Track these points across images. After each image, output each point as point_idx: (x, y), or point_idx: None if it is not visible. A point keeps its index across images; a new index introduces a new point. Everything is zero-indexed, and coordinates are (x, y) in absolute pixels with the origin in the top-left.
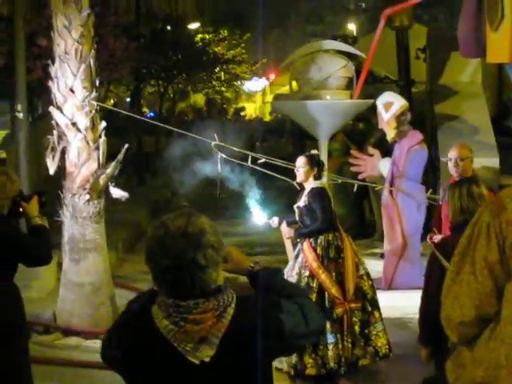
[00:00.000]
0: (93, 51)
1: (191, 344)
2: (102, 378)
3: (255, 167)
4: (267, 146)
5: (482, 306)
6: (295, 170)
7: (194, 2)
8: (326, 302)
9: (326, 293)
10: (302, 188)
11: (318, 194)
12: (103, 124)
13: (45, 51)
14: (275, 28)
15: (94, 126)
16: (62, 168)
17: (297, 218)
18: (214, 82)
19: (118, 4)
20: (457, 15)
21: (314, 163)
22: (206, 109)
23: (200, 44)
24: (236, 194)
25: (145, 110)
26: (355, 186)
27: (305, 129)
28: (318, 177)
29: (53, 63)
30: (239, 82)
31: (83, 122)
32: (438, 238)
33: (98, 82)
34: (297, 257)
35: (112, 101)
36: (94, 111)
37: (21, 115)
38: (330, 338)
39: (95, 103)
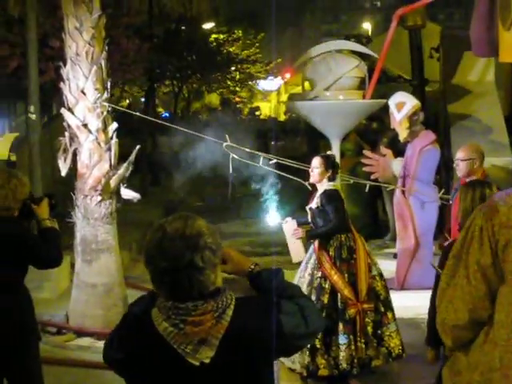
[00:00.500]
0: (104, 53)
1: (191, 346)
2: (113, 379)
3: (267, 168)
4: (281, 145)
5: (476, 310)
6: (310, 171)
7: (208, 1)
8: (339, 303)
9: (339, 294)
10: (314, 189)
11: (332, 195)
12: (115, 125)
13: (57, 53)
14: (290, 27)
15: (105, 127)
16: (73, 169)
17: (309, 220)
18: (228, 82)
19: (131, 5)
20: (472, 14)
21: (330, 164)
22: (220, 108)
23: (214, 44)
24: (249, 193)
25: (160, 109)
26: (367, 186)
27: (318, 129)
28: (331, 178)
29: (64, 65)
30: (254, 82)
31: (95, 123)
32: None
33: (109, 84)
34: (309, 258)
35: (127, 101)
36: (105, 112)
37: (34, 117)
38: (343, 339)
39: (107, 104)
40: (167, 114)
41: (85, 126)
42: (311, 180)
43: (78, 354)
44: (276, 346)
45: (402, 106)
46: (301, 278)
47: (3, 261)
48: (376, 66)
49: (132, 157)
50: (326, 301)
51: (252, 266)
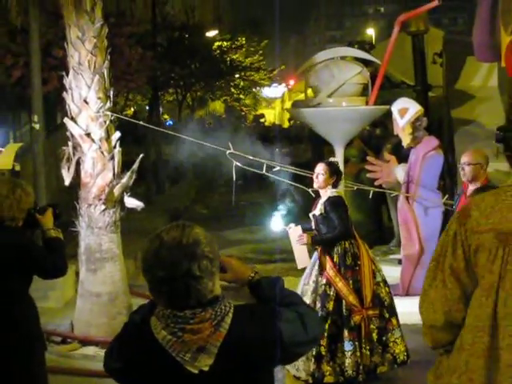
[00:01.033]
0: (106, 62)
1: (189, 354)
2: None
3: (271, 175)
4: (286, 152)
5: (451, 312)
6: (314, 177)
7: (212, 9)
8: (344, 310)
9: (344, 301)
10: (318, 195)
11: (336, 202)
12: (118, 134)
13: (60, 62)
14: (294, 34)
15: (108, 136)
16: (77, 178)
17: (313, 226)
18: (232, 90)
19: (134, 13)
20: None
21: (333, 171)
22: (224, 116)
23: (218, 52)
24: (254, 201)
25: (165, 117)
26: (371, 193)
27: (321, 135)
28: (335, 185)
29: (67, 74)
30: (258, 89)
31: (98, 132)
32: None
33: (112, 93)
34: (313, 265)
35: (132, 109)
36: (108, 122)
37: (37, 126)
38: (348, 346)
39: (109, 114)
40: (171, 122)
41: (88, 135)
42: (315, 186)
43: (82, 363)
44: (275, 353)
45: (405, 111)
46: (305, 285)
47: (8, 271)
48: (379, 72)
49: (135, 165)
50: (330, 308)
51: (252, 275)
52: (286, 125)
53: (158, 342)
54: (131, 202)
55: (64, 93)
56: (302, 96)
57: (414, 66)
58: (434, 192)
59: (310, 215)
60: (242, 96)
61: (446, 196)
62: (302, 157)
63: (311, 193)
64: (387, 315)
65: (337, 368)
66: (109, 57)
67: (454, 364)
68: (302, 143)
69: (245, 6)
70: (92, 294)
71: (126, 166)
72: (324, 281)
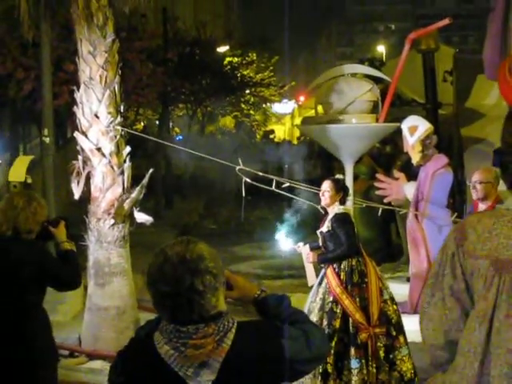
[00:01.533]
0: (118, 77)
1: (192, 369)
2: None
3: (280, 191)
4: (295, 168)
5: (450, 331)
6: (320, 194)
7: (223, 25)
8: (351, 328)
9: (350, 318)
10: (326, 212)
11: (342, 219)
12: (128, 149)
13: (72, 76)
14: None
15: (118, 150)
16: (87, 193)
17: (320, 244)
18: (242, 105)
19: (145, 28)
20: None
21: (339, 188)
22: (235, 131)
23: (228, 67)
24: (263, 217)
25: (176, 130)
26: (380, 210)
27: (331, 152)
28: (342, 202)
29: (78, 89)
30: (268, 105)
31: (108, 147)
32: None
33: (123, 107)
34: (320, 282)
35: (142, 124)
36: (118, 136)
37: (47, 140)
38: (355, 364)
39: (120, 128)
40: (181, 137)
41: (98, 149)
42: (322, 204)
43: (89, 377)
44: (279, 370)
45: (415, 129)
46: (312, 303)
47: (25, 283)
48: (389, 90)
49: (145, 180)
50: (337, 325)
51: (258, 292)
52: (296, 141)
53: (161, 357)
54: (140, 217)
55: (75, 107)
56: (312, 112)
57: (425, 84)
58: (444, 210)
59: (318, 232)
60: (252, 112)
61: (456, 214)
62: (311, 173)
63: (320, 209)
64: (394, 333)
65: None
66: (120, 71)
67: (448, 382)
68: (312, 159)
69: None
70: (100, 308)
71: (135, 180)
72: (331, 298)
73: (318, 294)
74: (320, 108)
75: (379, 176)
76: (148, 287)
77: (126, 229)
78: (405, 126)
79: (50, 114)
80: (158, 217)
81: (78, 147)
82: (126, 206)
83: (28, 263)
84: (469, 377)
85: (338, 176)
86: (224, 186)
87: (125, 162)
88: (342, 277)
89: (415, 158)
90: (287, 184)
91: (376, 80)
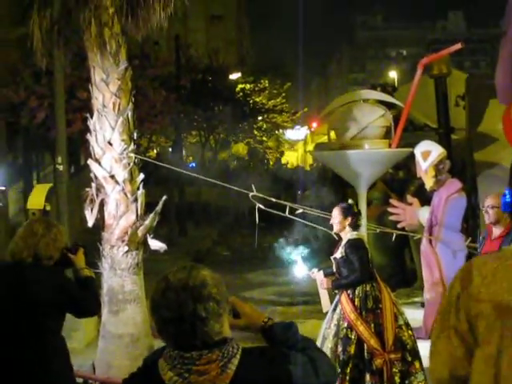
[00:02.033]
0: (131, 104)
1: None
2: None
3: (293, 217)
4: (308, 194)
5: (456, 368)
6: (331, 221)
7: (235, 52)
8: (365, 354)
9: (365, 344)
10: (340, 238)
11: (355, 245)
12: (141, 176)
13: (85, 104)
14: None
15: (132, 178)
16: (100, 220)
17: (334, 270)
18: (255, 132)
19: (158, 56)
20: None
21: (347, 213)
22: (248, 158)
23: (241, 94)
24: (276, 243)
25: (190, 158)
26: (394, 235)
27: (344, 178)
28: (354, 227)
29: (91, 116)
30: (280, 131)
31: (121, 174)
32: None
33: (136, 135)
34: (335, 308)
35: (155, 151)
36: (132, 163)
37: (61, 167)
38: None
39: (133, 155)
40: (194, 164)
41: (112, 176)
42: (334, 230)
43: None
44: None
45: (428, 154)
46: (327, 329)
47: (46, 310)
48: (402, 115)
49: (159, 207)
50: (352, 351)
51: (265, 320)
52: (308, 167)
53: (165, 383)
54: (154, 244)
55: (88, 134)
56: (324, 138)
57: (437, 109)
58: (458, 234)
59: (332, 258)
60: (264, 138)
61: (470, 238)
62: (324, 199)
63: (334, 235)
64: (410, 358)
65: None
66: (133, 99)
67: None
68: (325, 186)
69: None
70: (114, 335)
71: (149, 207)
72: (345, 324)
73: (332, 320)
74: (333, 134)
75: (393, 201)
76: (151, 313)
77: (139, 256)
78: (418, 151)
79: (64, 141)
80: (171, 244)
81: (92, 174)
82: (140, 233)
83: (49, 289)
84: None
85: (349, 201)
86: (237, 212)
87: (138, 189)
88: (356, 303)
89: (428, 183)
90: (301, 210)
91: (388, 106)
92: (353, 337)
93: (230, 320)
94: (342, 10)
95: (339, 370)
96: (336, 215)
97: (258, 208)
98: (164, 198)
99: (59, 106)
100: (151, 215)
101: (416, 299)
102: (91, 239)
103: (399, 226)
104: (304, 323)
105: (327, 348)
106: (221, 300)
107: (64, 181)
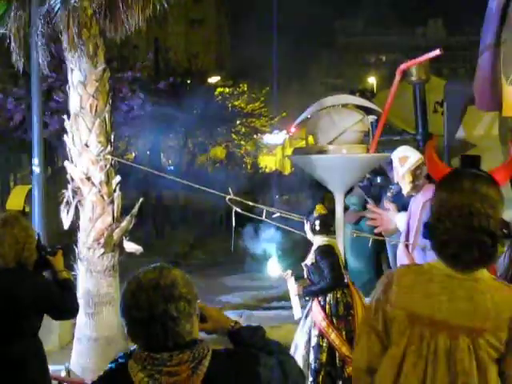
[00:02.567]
0: (108, 106)
1: None
2: None
3: (270, 221)
4: (286, 199)
5: (372, 362)
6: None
7: (214, 56)
8: (337, 361)
9: (337, 352)
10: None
11: (325, 251)
12: (118, 178)
13: (62, 105)
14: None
15: (108, 180)
16: (76, 222)
17: (305, 276)
18: (233, 136)
19: (136, 59)
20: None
21: (306, 218)
22: (225, 162)
23: (219, 98)
24: (253, 247)
25: (168, 161)
26: (370, 240)
27: (321, 183)
28: (319, 232)
29: (68, 118)
30: (259, 136)
31: (98, 176)
32: None
33: (113, 137)
34: (307, 315)
35: (133, 154)
36: (108, 165)
37: (37, 169)
38: None
39: (110, 157)
40: (172, 167)
41: (88, 178)
42: (307, 236)
43: None
44: None
45: (406, 160)
46: (298, 338)
47: (27, 313)
48: (380, 121)
49: (135, 210)
50: (324, 359)
51: (232, 324)
52: (287, 171)
53: None
54: (130, 246)
55: (65, 136)
56: (302, 143)
57: (415, 115)
58: None
59: (303, 265)
60: (242, 142)
61: None
62: (301, 204)
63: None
64: None
65: None
66: (111, 101)
67: None
68: (304, 190)
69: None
70: (89, 338)
71: (125, 210)
72: (316, 332)
73: (303, 327)
74: (311, 138)
75: (370, 207)
76: (122, 314)
77: (115, 258)
78: (395, 156)
79: (40, 143)
80: (148, 247)
81: (68, 176)
82: (116, 235)
83: (30, 291)
84: None
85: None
86: (215, 216)
87: (115, 191)
88: (327, 310)
89: (406, 189)
90: (277, 214)
91: (367, 111)
92: (324, 344)
93: (197, 324)
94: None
95: (311, 379)
96: (305, 220)
97: (235, 211)
98: (141, 200)
99: (36, 108)
100: (127, 217)
101: None
102: (67, 241)
103: (376, 231)
104: (279, 327)
105: (299, 356)
106: (191, 300)
107: (41, 183)
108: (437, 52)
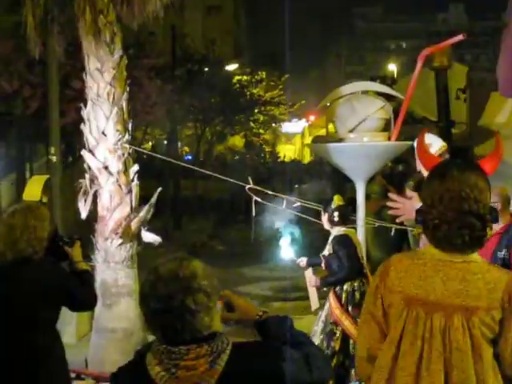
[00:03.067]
0: (126, 94)
1: None
2: None
3: (290, 211)
4: (305, 188)
5: (372, 349)
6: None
7: (232, 43)
8: (351, 350)
9: (351, 340)
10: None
11: (341, 241)
12: (136, 167)
13: (79, 94)
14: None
15: (126, 169)
16: (94, 212)
17: (323, 267)
18: (251, 124)
19: (153, 46)
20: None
21: (324, 208)
22: (244, 151)
23: (237, 85)
24: (273, 237)
25: (185, 150)
26: (393, 230)
27: (342, 171)
28: (336, 222)
29: (85, 106)
30: (277, 124)
31: (115, 165)
32: None
33: (131, 125)
34: (324, 305)
35: (150, 143)
36: (126, 154)
37: (54, 159)
38: None
39: (128, 146)
40: (190, 157)
41: (105, 168)
42: (324, 226)
43: None
44: None
45: (428, 147)
46: (315, 326)
47: (45, 305)
48: (402, 108)
49: (153, 199)
50: (337, 347)
51: (260, 314)
52: (306, 160)
53: (152, 378)
54: (148, 237)
55: (82, 125)
56: (322, 131)
57: (437, 102)
58: None
59: (321, 256)
60: (261, 131)
61: None
62: (321, 193)
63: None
64: None
65: None
66: (128, 88)
67: None
68: (323, 179)
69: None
70: (107, 329)
71: (143, 200)
72: (332, 320)
73: (320, 316)
74: (331, 126)
75: (391, 195)
76: (140, 305)
77: (133, 249)
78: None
79: (57, 132)
80: (166, 237)
81: (85, 165)
82: (134, 225)
83: (48, 282)
84: None
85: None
86: (233, 206)
87: (132, 180)
88: (343, 299)
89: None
90: (298, 203)
91: (388, 98)
92: (338, 332)
93: (223, 314)
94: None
95: None
96: (322, 210)
97: (255, 201)
98: (159, 189)
99: (53, 96)
100: (145, 207)
101: None
102: (84, 232)
103: (398, 220)
104: (300, 319)
105: None
106: (211, 293)
107: (57, 172)
108: (460, 37)
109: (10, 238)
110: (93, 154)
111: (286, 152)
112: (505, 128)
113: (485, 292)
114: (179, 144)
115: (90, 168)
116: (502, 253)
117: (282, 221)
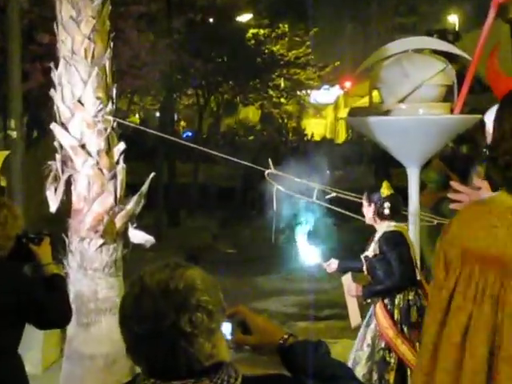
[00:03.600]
0: (109, 50)
1: None
2: None
3: (321, 203)
4: (340, 175)
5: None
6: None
7: None
8: (409, 382)
9: (408, 369)
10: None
11: (391, 240)
12: (121, 146)
13: (47, 50)
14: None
15: (109, 148)
16: (66, 203)
17: (365, 272)
18: (270, 92)
19: None
20: None
21: (370, 198)
22: (260, 127)
23: (252, 42)
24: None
25: (183, 124)
26: None
27: (389, 153)
28: (385, 216)
29: (56, 66)
30: (304, 92)
31: (95, 143)
32: None
33: (115, 92)
34: (368, 324)
35: (137, 116)
36: (109, 129)
37: (14, 134)
38: None
39: (111, 119)
40: (190, 133)
41: (82, 146)
42: (366, 221)
43: None
44: None
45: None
46: (358, 351)
47: (4, 321)
48: (468, 71)
49: (144, 187)
50: (391, 379)
51: (285, 337)
52: (341, 139)
53: None
54: (138, 236)
55: (51, 90)
56: (363, 101)
57: None
58: None
59: (362, 257)
60: (282, 100)
61: None
62: (361, 181)
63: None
64: None
65: None
66: (112, 44)
67: None
68: (362, 164)
69: None
70: (83, 356)
71: (131, 189)
72: (382, 344)
73: (365, 339)
74: (375, 95)
75: (454, 184)
76: (120, 327)
77: (118, 252)
78: (489, 118)
79: (18, 99)
80: (159, 237)
81: (56, 143)
82: (119, 221)
83: (3, 290)
84: (422, 366)
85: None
86: (246, 197)
87: (117, 163)
88: (395, 316)
89: None
90: (333, 194)
91: (449, 58)
92: (392, 360)
93: (238, 336)
94: None
95: None
96: (364, 202)
97: (276, 190)
98: (151, 175)
99: (13, 53)
100: (134, 198)
101: None
102: (54, 229)
103: None
104: (334, 344)
105: (359, 375)
106: (213, 311)
107: (18, 152)
108: None
109: None
110: (66, 129)
111: (315, 128)
112: None
113: None
114: (176, 117)
115: (61, 146)
116: None
117: (310, 216)
